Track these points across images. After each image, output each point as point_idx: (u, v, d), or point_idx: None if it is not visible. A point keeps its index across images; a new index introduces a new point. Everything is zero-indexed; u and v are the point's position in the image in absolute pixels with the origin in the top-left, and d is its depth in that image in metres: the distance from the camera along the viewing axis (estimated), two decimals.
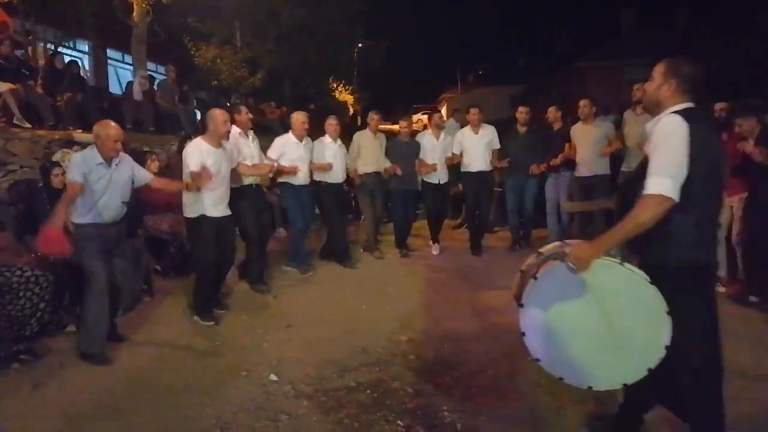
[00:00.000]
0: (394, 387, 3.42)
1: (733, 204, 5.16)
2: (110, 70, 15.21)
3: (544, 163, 6.88)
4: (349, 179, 7.12)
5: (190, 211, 4.64)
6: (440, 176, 7.20)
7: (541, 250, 2.73)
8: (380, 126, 7.19)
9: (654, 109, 2.41)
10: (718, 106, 5.95)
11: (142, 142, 7.88)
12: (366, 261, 6.90)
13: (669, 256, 2.25)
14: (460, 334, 4.29)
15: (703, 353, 2.32)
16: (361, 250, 7.27)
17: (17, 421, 3.06)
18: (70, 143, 6.76)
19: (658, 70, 2.39)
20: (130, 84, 10.25)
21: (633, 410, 2.67)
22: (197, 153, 4.51)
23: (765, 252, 4.82)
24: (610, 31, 27.26)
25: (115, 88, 13.73)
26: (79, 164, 3.89)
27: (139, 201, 5.51)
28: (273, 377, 3.58)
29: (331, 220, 6.69)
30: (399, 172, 6.89)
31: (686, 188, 2.16)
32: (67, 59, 9.56)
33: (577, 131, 6.70)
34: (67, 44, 12.86)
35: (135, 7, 11.15)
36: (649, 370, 2.27)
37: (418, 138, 7.40)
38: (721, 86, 15.73)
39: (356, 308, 5.02)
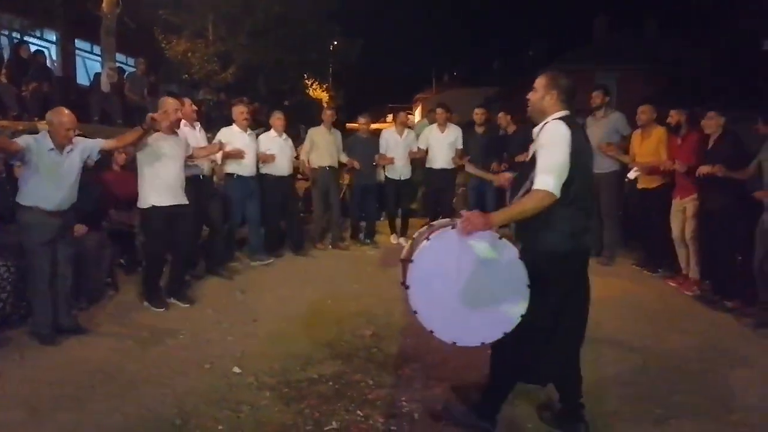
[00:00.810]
0: (355, 379, 3.49)
1: (686, 205, 5.39)
2: (78, 60, 14.91)
3: (504, 162, 7.13)
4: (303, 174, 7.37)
5: (142, 202, 4.74)
6: (402, 172, 7.46)
7: (433, 223, 3.05)
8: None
9: (538, 116, 2.73)
10: (673, 112, 6.23)
11: (109, 134, 7.78)
12: (335, 258, 6.98)
13: (549, 244, 2.56)
14: (423, 329, 4.38)
15: (561, 326, 2.67)
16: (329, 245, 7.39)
17: None
18: (34, 134, 6.65)
19: (540, 83, 2.70)
20: (97, 75, 10.12)
21: (569, 397, 2.86)
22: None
23: (719, 256, 5.05)
24: (583, 36, 27.86)
25: (83, 80, 13.48)
26: (26, 138, 3.97)
27: (104, 193, 5.49)
28: (236, 370, 3.61)
29: (268, 214, 6.74)
30: (357, 165, 7.18)
31: (566, 185, 2.48)
32: (33, 49, 9.39)
33: None
34: (33, 33, 12.57)
35: None
36: (504, 333, 2.55)
37: (383, 134, 7.61)
38: (687, 93, 16.24)
39: (322, 304, 5.08)
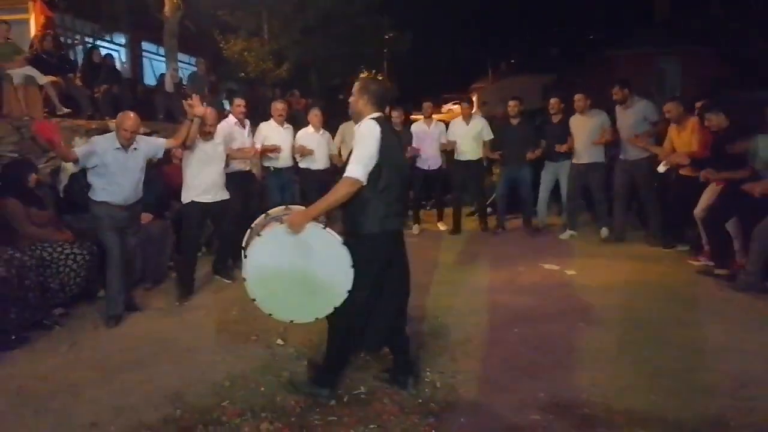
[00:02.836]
0: (385, 351, 3.77)
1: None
2: (145, 62, 15.86)
3: (539, 149, 7.17)
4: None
5: (183, 198, 5.16)
6: (430, 162, 7.71)
7: (269, 212, 3.40)
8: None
9: (356, 117, 3.14)
10: (698, 103, 6.38)
11: (174, 131, 8.37)
12: None
13: (366, 226, 2.95)
14: (454, 309, 4.61)
15: (373, 294, 3.03)
16: None
17: (58, 373, 3.56)
18: (106, 132, 7.28)
19: (355, 88, 3.13)
20: (162, 76, 10.81)
21: (400, 356, 3.32)
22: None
23: (723, 230, 5.21)
24: (643, 19, 26.78)
25: (150, 80, 14.35)
26: (93, 143, 4.47)
27: (167, 186, 6.00)
28: (279, 342, 3.99)
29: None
30: None
31: (377, 175, 2.90)
32: (104, 52, 10.15)
33: (575, 122, 7.07)
34: (104, 38, 13.50)
35: (166, 1, 11.68)
36: (334, 308, 2.93)
37: (413, 127, 8.01)
38: (753, 75, 15.49)
39: None
